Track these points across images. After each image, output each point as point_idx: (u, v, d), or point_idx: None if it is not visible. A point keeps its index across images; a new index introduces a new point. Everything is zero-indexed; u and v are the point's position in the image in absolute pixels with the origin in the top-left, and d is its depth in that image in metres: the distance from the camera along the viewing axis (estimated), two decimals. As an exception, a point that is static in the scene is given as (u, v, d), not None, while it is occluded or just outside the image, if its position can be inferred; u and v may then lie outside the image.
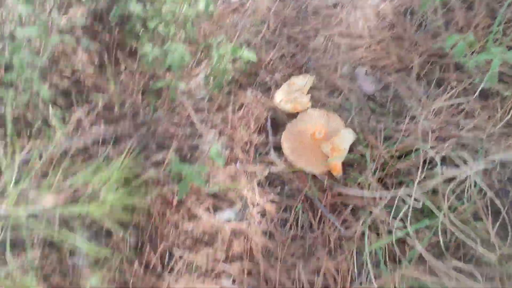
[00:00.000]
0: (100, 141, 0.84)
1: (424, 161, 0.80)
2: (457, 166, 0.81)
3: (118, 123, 0.86)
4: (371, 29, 1.06)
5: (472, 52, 0.97)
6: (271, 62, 1.02)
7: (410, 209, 0.75)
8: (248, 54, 0.81)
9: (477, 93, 0.84)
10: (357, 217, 0.83)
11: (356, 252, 0.80)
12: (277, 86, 0.98)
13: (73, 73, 0.90)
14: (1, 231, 0.57)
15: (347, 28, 1.07)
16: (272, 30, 1.08)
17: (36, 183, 0.60)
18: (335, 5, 1.11)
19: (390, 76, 0.97)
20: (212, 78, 0.88)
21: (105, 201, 0.65)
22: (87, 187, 0.67)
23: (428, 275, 0.73)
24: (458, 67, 0.96)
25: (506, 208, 0.75)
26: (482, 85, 0.80)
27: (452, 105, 0.88)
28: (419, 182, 0.77)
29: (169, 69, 0.86)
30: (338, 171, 0.84)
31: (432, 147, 0.80)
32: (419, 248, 0.70)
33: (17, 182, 0.59)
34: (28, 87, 0.76)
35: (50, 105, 0.79)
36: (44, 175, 0.73)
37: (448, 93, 0.92)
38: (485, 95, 0.91)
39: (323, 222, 0.84)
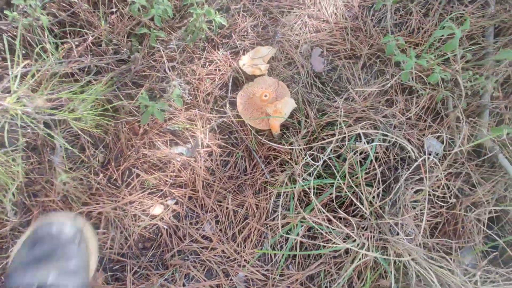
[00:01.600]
0: (85, 70, 1.01)
1: (341, 134, 1.00)
2: (368, 142, 1.02)
3: (103, 58, 1.02)
4: (337, 16, 1.20)
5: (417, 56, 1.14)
6: (245, 29, 1.17)
7: (317, 168, 0.96)
8: (220, 19, 0.96)
9: (392, 87, 1.02)
10: (282, 169, 1.04)
11: (275, 196, 1.02)
12: (245, 51, 1.14)
13: (70, 7, 1.04)
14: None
15: (318, 11, 1.21)
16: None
17: (30, 91, 0.77)
18: (312, -12, 1.25)
19: (340, 60, 1.14)
20: (189, 33, 1.03)
21: (82, 117, 0.83)
22: (70, 102, 0.85)
23: (322, 220, 0.96)
24: (397, 64, 1.13)
25: (390, 179, 0.97)
26: (395, 80, 0.98)
27: (379, 92, 1.06)
28: (334, 150, 0.98)
29: (153, 19, 1.01)
30: (276, 130, 1.03)
31: (350, 125, 1.00)
32: (314, 200, 0.92)
33: (17, 87, 0.76)
34: (31, 12, 0.90)
35: (47, 32, 0.94)
36: (37, 87, 0.90)
37: (381, 84, 1.10)
38: (410, 91, 1.10)
39: (256, 168, 1.05)
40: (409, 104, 1.07)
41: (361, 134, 0.97)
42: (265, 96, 1.01)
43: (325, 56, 1.14)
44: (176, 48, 1.04)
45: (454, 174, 1.03)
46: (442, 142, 1.05)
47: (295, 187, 1.00)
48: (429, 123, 1.06)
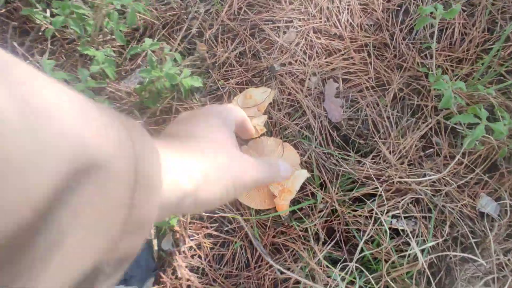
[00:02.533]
0: None
1: (372, 215, 0.74)
2: (408, 219, 0.77)
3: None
4: (354, 28, 0.87)
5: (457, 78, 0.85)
6: (228, 61, 0.83)
7: (350, 268, 0.71)
8: (193, 82, 0.63)
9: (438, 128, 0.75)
10: (295, 258, 0.79)
11: (290, 294, 0.79)
12: (231, 94, 0.82)
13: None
14: None
15: (326, 21, 0.87)
16: (235, 11, 0.86)
17: None
18: (316, -15, 0.89)
19: (364, 98, 0.84)
20: (148, 92, 0.70)
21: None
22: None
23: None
24: (438, 95, 0.84)
25: (441, 273, 0.74)
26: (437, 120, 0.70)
27: (416, 137, 0.79)
28: (362, 230, 0.73)
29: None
30: (285, 213, 0.76)
31: (384, 201, 0.73)
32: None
33: None
34: None
35: None
36: None
37: (419, 129, 0.82)
38: (455, 131, 0.83)
39: (261, 261, 0.80)
40: (453, 151, 0.80)
41: (403, 219, 0.72)
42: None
43: (343, 93, 0.83)
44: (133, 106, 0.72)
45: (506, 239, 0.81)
46: (497, 200, 0.81)
47: None
48: (481, 175, 0.81)
